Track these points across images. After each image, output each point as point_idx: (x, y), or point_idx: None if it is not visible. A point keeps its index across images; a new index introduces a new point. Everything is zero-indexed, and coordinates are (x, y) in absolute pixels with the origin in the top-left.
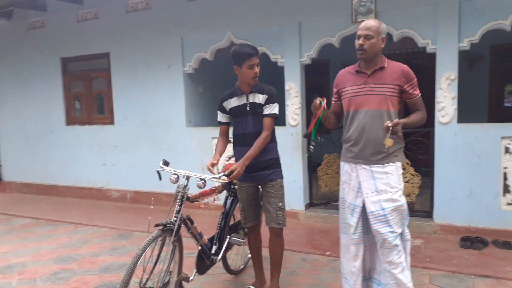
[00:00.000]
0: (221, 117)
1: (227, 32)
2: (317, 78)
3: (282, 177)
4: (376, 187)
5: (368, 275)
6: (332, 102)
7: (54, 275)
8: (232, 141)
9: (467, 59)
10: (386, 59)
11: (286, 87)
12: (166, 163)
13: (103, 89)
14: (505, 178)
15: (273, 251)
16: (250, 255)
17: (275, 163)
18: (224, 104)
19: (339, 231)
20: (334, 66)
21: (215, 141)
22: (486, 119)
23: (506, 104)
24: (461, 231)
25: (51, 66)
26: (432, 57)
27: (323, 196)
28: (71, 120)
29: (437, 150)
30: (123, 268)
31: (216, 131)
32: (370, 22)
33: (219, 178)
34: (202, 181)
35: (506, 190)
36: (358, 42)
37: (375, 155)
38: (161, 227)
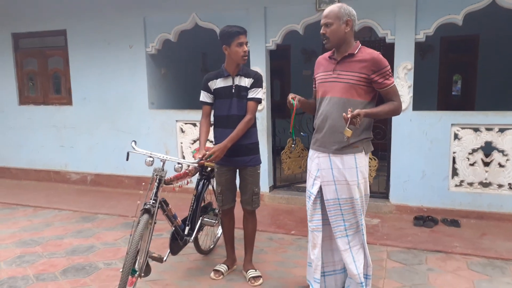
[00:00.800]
0: (205, 97)
1: (192, 14)
2: (278, 63)
3: (260, 163)
4: (333, 176)
5: (340, 268)
6: (313, 88)
7: (18, 259)
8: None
9: (419, 49)
10: (360, 46)
11: None
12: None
13: (59, 68)
14: (454, 162)
15: (247, 228)
16: (218, 236)
17: (255, 148)
18: (210, 83)
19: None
20: (295, 52)
21: (179, 124)
22: (436, 107)
23: (453, 93)
24: (414, 211)
25: (1, 42)
26: (390, 47)
27: (286, 179)
28: (24, 99)
29: (393, 136)
30: (91, 250)
31: (180, 114)
32: (328, 9)
33: (197, 163)
34: (180, 165)
35: (454, 173)
36: (321, 31)
37: (335, 144)
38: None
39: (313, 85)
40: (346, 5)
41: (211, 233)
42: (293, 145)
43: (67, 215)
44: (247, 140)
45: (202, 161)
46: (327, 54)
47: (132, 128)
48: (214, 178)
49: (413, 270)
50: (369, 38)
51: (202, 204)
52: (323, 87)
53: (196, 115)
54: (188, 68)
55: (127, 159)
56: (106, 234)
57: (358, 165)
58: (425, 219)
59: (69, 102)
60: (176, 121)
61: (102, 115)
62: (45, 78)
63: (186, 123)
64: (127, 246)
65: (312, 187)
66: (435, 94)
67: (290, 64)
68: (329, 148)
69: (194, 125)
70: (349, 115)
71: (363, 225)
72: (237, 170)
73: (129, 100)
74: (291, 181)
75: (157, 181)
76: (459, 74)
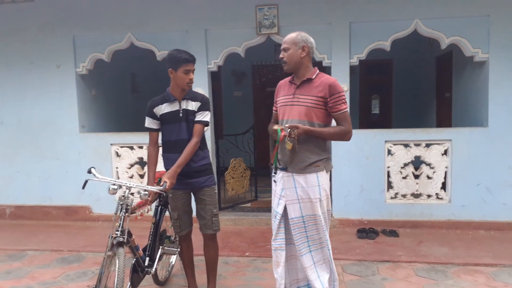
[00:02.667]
0: (151, 123)
1: (127, 33)
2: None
3: (215, 183)
4: (297, 195)
5: (304, 285)
6: (273, 110)
7: None
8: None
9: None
10: (317, 72)
11: None
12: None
13: None
14: (389, 176)
15: (209, 255)
16: (173, 264)
17: (208, 169)
18: (155, 110)
19: None
20: (225, 73)
21: (114, 147)
22: (358, 126)
23: (373, 112)
24: (356, 224)
25: None
26: (326, 70)
27: (229, 200)
28: None
29: (333, 153)
30: None
31: (115, 137)
32: (287, 36)
33: (164, 189)
34: (146, 193)
35: (389, 186)
36: (280, 55)
37: (297, 164)
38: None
39: (273, 108)
40: (304, 33)
41: (165, 261)
42: (273, 174)
43: None
44: (199, 162)
45: (167, 188)
46: (288, 79)
47: (60, 153)
48: (169, 204)
49: (369, 281)
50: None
51: None
52: (283, 110)
53: (133, 137)
54: (118, 89)
55: (84, 187)
56: (41, 272)
57: (321, 183)
58: (367, 231)
59: None
60: (111, 144)
61: (23, 140)
62: None
63: (122, 147)
64: (93, 283)
65: (277, 207)
66: (357, 113)
67: (221, 86)
68: (293, 168)
69: (131, 148)
70: (286, 127)
71: (327, 240)
72: (192, 194)
73: (56, 123)
74: (235, 201)
75: (124, 210)
76: (377, 95)
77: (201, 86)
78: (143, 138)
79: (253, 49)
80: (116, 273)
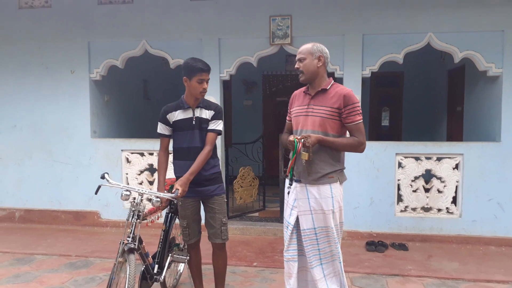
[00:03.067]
0: (163, 129)
1: (142, 41)
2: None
3: (225, 192)
4: (310, 206)
5: None
6: (287, 120)
7: None
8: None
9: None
10: (332, 82)
11: None
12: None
13: None
14: (399, 189)
15: (217, 264)
16: (181, 272)
17: (218, 177)
18: (168, 116)
19: None
20: (236, 82)
21: (125, 153)
22: (368, 137)
23: (382, 124)
24: (365, 236)
25: None
26: (338, 81)
27: (237, 209)
28: None
29: None
30: None
31: (126, 143)
32: (302, 47)
33: (175, 197)
34: (158, 200)
35: (399, 199)
36: (295, 66)
37: (311, 175)
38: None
39: (287, 118)
40: (319, 43)
41: (174, 269)
42: (289, 185)
43: None
44: (210, 170)
45: (179, 195)
46: (302, 89)
47: (71, 158)
48: (179, 212)
49: None
50: None
51: None
52: (297, 120)
53: (143, 144)
54: (130, 96)
55: (97, 192)
56: (49, 277)
57: (334, 194)
58: (376, 244)
59: None
60: (122, 150)
61: (35, 144)
62: None
63: (132, 153)
64: None
65: (289, 217)
66: (367, 125)
67: (231, 94)
68: (306, 179)
69: (142, 154)
70: (298, 137)
71: (339, 253)
72: (201, 202)
73: (68, 128)
74: (243, 210)
75: (136, 216)
76: (387, 107)
77: (213, 94)
78: (153, 144)
79: (264, 59)
80: (127, 280)
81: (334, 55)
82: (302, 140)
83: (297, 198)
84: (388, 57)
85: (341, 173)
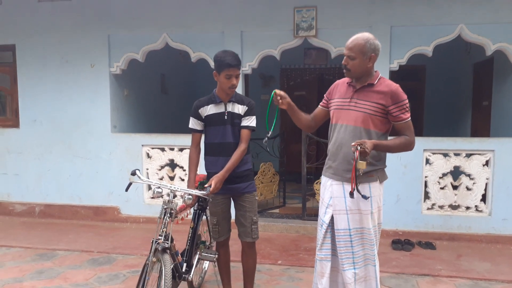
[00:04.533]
0: (195, 124)
1: (163, 34)
2: None
3: (255, 190)
4: (346, 205)
5: None
6: (319, 105)
7: None
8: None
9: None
10: (379, 76)
11: None
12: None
13: (5, 87)
14: (426, 186)
15: (247, 263)
16: (206, 269)
17: (250, 174)
18: (200, 110)
19: None
20: (253, 76)
21: (145, 148)
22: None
23: None
24: (390, 235)
25: None
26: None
27: (258, 205)
28: None
29: None
30: None
31: (147, 138)
32: (354, 41)
33: (207, 194)
34: (190, 197)
35: (426, 196)
36: (343, 62)
37: (349, 173)
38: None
39: (321, 103)
40: (372, 38)
41: (199, 267)
42: (266, 137)
43: (19, 253)
44: (242, 167)
45: (211, 192)
46: (346, 79)
47: (91, 152)
48: (208, 209)
49: None
50: (325, 65)
51: None
52: (338, 113)
53: (164, 139)
54: (149, 90)
55: (127, 189)
56: (73, 273)
57: (373, 194)
58: (402, 242)
59: (15, 124)
60: (142, 145)
61: (56, 138)
62: None
63: (153, 148)
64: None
65: (324, 215)
66: None
67: (248, 89)
68: (343, 176)
69: (162, 150)
70: (354, 144)
71: (375, 256)
72: (231, 200)
73: (88, 122)
74: (263, 207)
75: (168, 215)
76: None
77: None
78: (174, 139)
79: (282, 52)
80: (164, 281)
81: None
82: (359, 147)
83: (332, 196)
84: (417, 49)
85: (381, 172)
